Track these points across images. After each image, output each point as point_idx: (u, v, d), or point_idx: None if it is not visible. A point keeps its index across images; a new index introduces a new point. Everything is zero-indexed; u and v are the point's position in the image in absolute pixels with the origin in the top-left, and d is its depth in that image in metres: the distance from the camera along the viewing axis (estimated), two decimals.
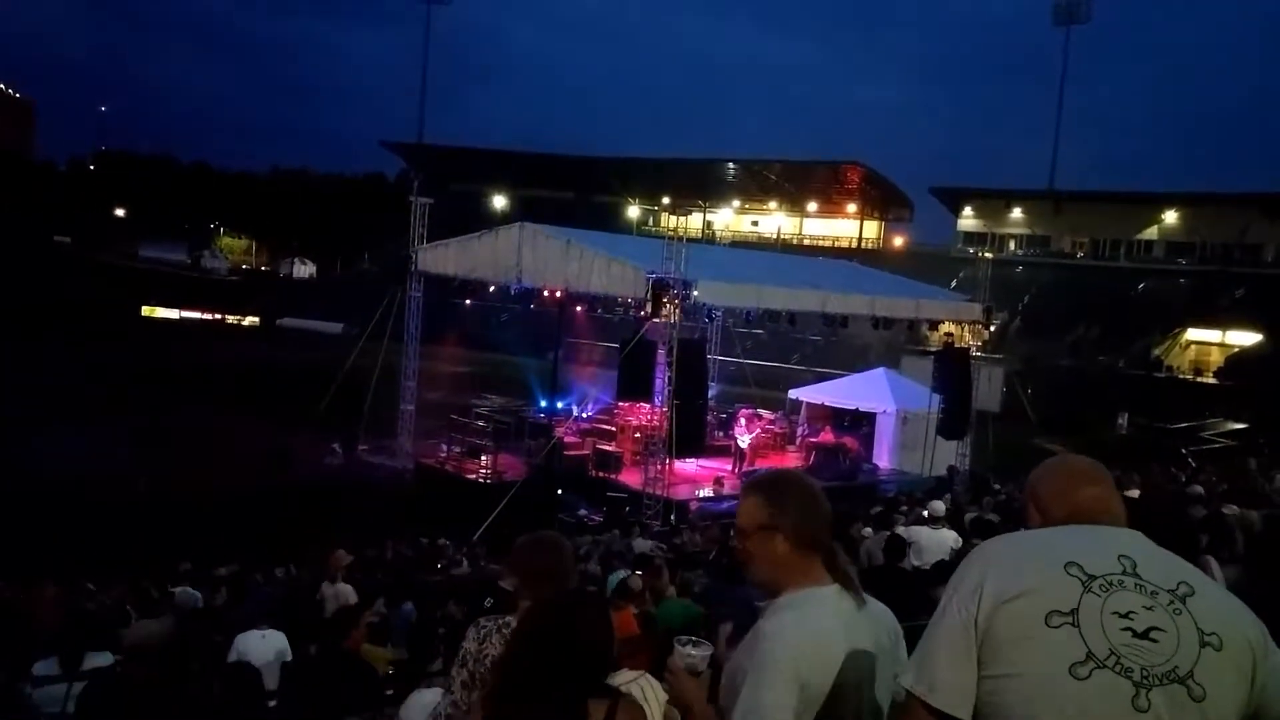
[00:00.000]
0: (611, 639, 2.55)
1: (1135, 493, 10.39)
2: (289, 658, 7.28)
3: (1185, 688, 1.77)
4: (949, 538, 9.80)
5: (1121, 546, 1.94)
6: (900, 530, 10.13)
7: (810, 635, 2.24)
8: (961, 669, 1.88)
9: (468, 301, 36.43)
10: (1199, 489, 11.77)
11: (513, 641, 2.65)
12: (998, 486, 17.95)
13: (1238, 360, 50.74)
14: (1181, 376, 50.29)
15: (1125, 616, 1.81)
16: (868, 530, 11.33)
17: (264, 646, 7.34)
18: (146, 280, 71.83)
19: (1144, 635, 1.79)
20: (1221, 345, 53.83)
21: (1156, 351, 53.64)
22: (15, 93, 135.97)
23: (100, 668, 5.66)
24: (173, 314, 66.34)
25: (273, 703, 6.34)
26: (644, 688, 2.88)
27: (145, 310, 65.66)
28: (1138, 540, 2.00)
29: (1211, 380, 49.13)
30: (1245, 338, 52.63)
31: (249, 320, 68.13)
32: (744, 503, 2.47)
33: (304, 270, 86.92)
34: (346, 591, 10.88)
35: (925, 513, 11.15)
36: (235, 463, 23.83)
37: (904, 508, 13.98)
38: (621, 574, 9.54)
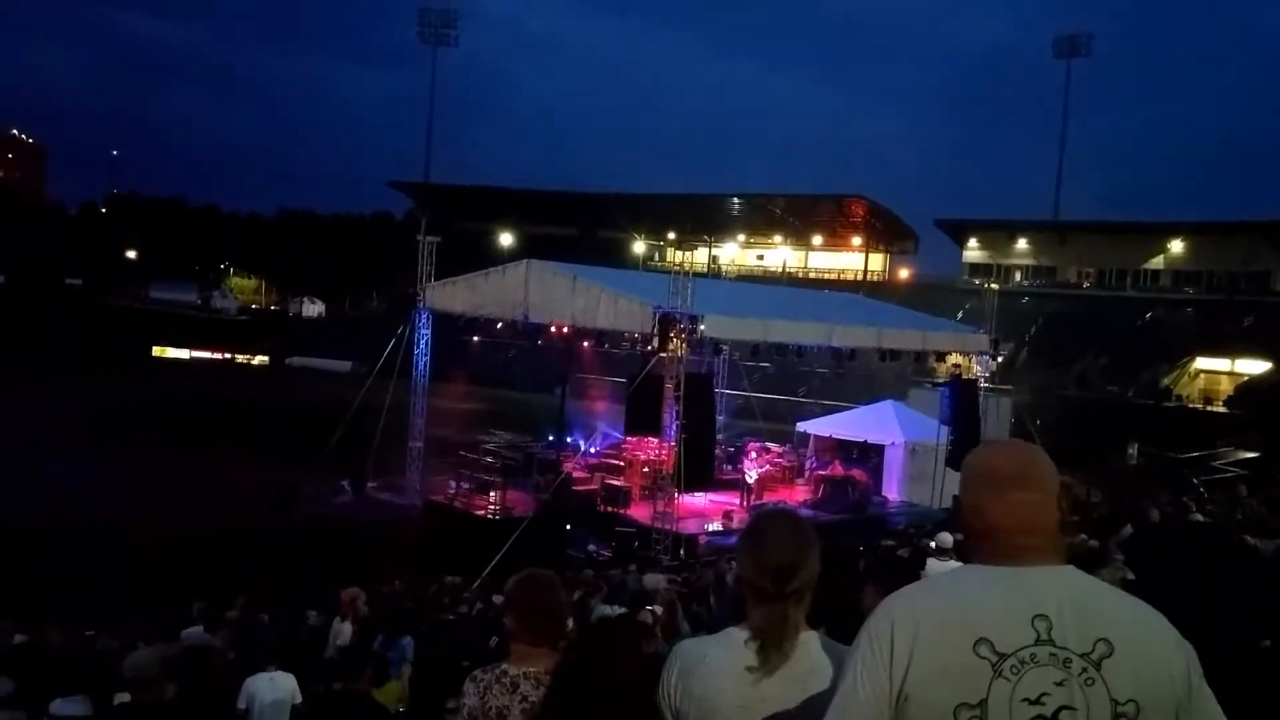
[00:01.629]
0: (648, 667, 2.54)
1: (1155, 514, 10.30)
2: (299, 699, 7.24)
3: None
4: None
5: (1038, 603, 1.82)
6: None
7: (695, 662, 2.33)
8: None
9: (475, 339, 36.46)
10: (1199, 516, 11.69)
11: (553, 687, 2.70)
12: None
13: (1247, 389, 50.52)
14: (1191, 406, 50.06)
15: (1036, 702, 1.74)
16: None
17: (272, 689, 7.29)
18: (157, 320, 72.15)
19: (1053, 719, 1.74)
20: (1231, 374, 53.65)
21: (1165, 381, 53.44)
22: (28, 137, 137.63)
23: (125, 703, 5.67)
24: (183, 354, 66.67)
25: None
26: None
27: (156, 350, 65.95)
28: (1064, 584, 1.86)
29: (1221, 409, 48.89)
30: (1254, 366, 52.45)
31: (259, 359, 68.35)
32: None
33: (313, 309, 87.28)
34: (345, 631, 10.99)
35: (933, 544, 11.04)
36: (243, 501, 23.77)
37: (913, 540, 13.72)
38: (612, 609, 9.47)
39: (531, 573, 3.26)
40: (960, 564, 1.95)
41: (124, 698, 5.70)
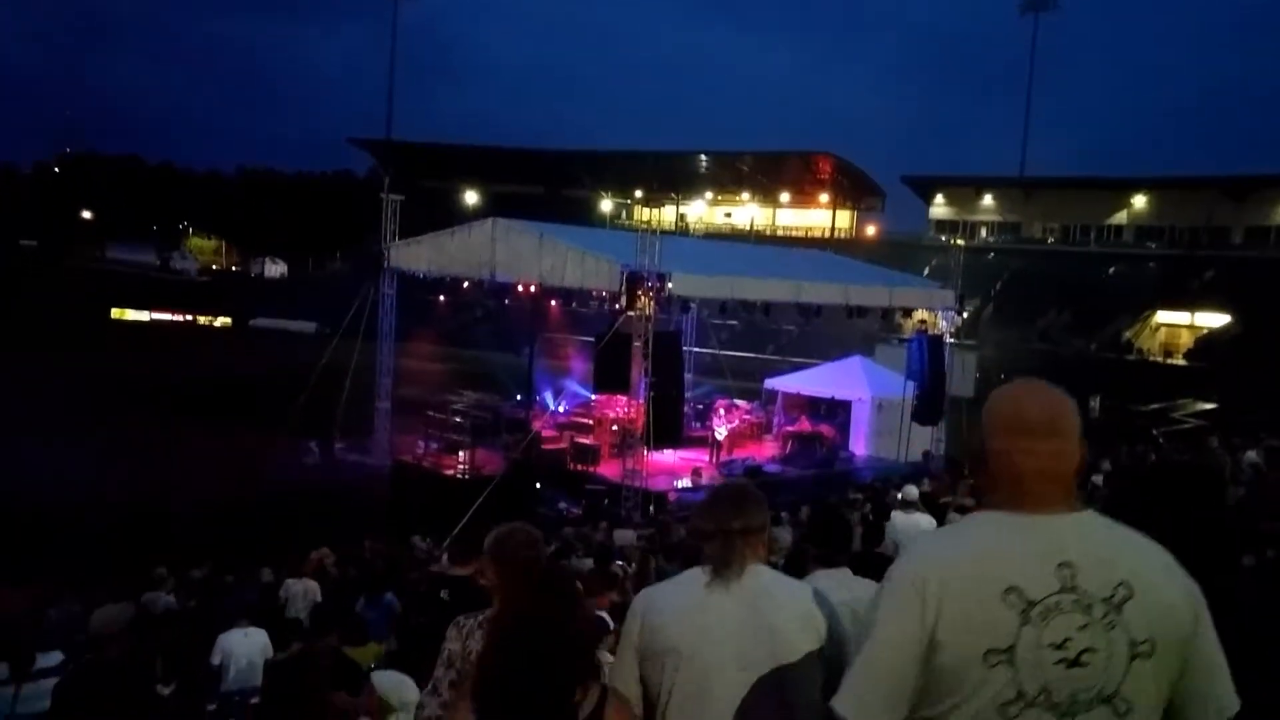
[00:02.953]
0: (592, 623, 2.56)
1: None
2: (271, 654, 7.32)
3: (1111, 706, 1.83)
4: (923, 522, 9.91)
5: (1064, 549, 1.88)
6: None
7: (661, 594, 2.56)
8: (900, 705, 1.88)
9: (441, 298, 36.28)
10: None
11: (495, 633, 2.73)
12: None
13: (1207, 342, 51.37)
14: (1152, 359, 50.86)
15: (1060, 647, 1.83)
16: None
17: (247, 645, 7.37)
18: (115, 282, 71.02)
19: (1075, 662, 1.82)
20: (1191, 327, 54.46)
21: (1127, 335, 54.24)
22: None
23: (48, 667, 5.69)
24: (143, 316, 65.71)
25: (256, 700, 6.36)
26: None
27: (115, 312, 65.01)
28: (1085, 531, 1.93)
29: (1181, 362, 49.70)
30: (1214, 319, 53.24)
31: (220, 321, 67.57)
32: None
33: (275, 270, 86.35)
34: (314, 588, 11.06)
35: (900, 496, 11.27)
36: (209, 465, 23.71)
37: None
38: (586, 563, 9.60)
39: (513, 527, 3.32)
40: (979, 514, 2.02)
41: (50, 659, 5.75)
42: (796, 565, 3.77)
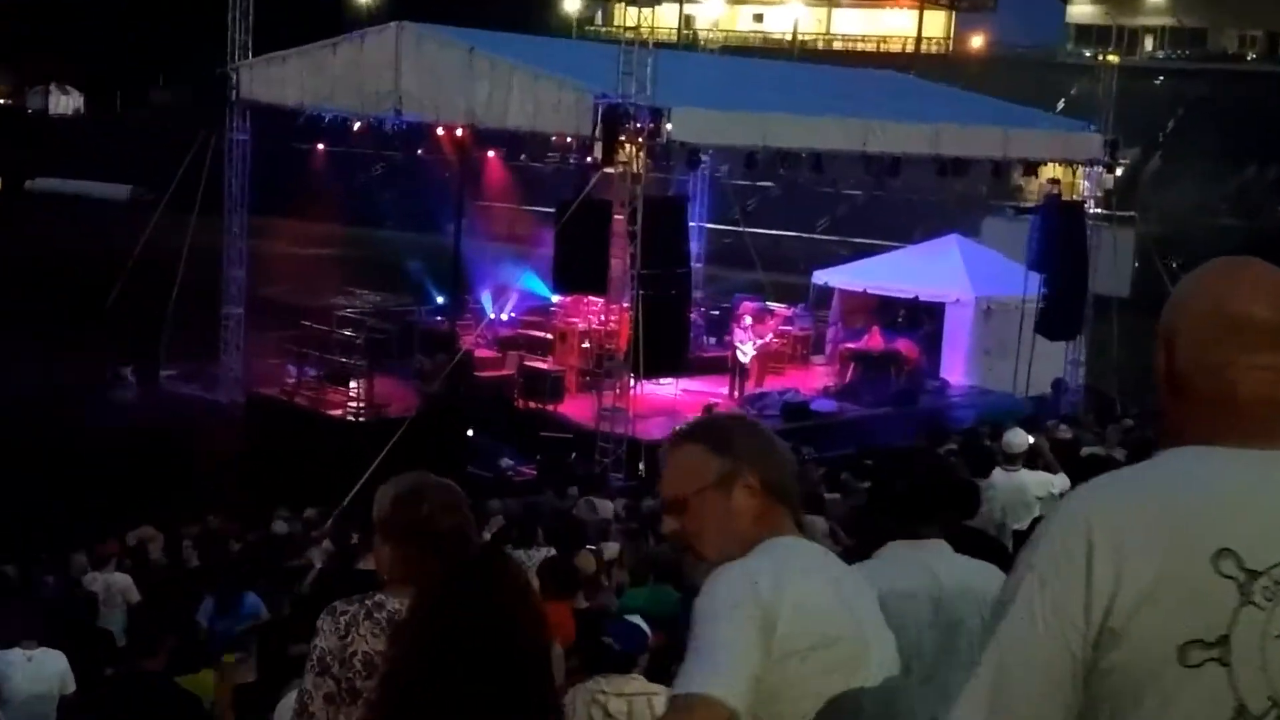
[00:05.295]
0: (544, 629, 2.71)
1: None
2: (72, 688, 7.44)
3: None
4: (1030, 483, 9.99)
5: None
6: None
7: (797, 570, 2.47)
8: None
9: (320, 148, 35.88)
10: None
11: (400, 638, 2.75)
12: (1125, 411, 18.20)
13: None
14: None
15: None
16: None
17: (33, 672, 7.41)
18: None
19: None
20: None
21: None
22: None
23: None
24: None
25: None
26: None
27: None
28: None
29: None
30: None
31: None
32: (680, 458, 2.69)
33: (67, 103, 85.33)
34: (123, 584, 11.39)
35: (1003, 445, 11.25)
36: None
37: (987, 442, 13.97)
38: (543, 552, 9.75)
39: (418, 479, 3.39)
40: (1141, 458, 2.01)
41: None
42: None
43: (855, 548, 3.37)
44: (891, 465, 4.13)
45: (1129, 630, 1.79)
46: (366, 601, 3.24)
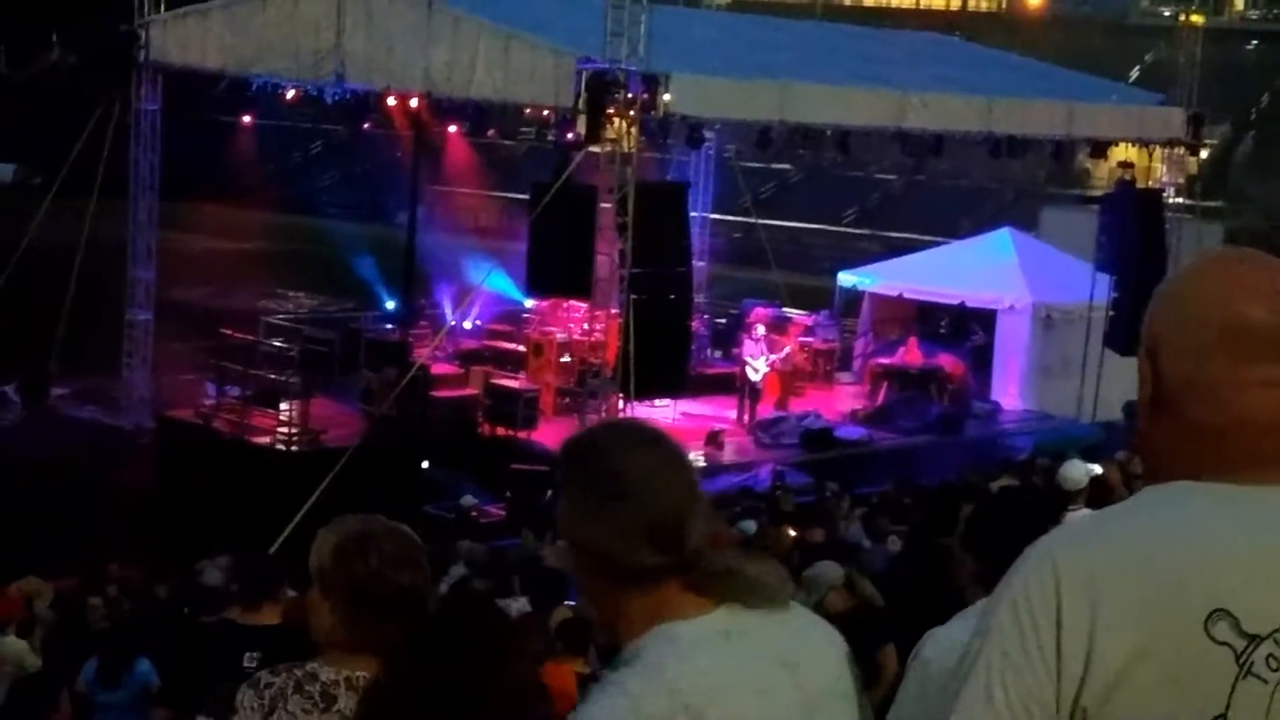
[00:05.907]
0: (530, 703, 2.88)
1: None
2: None
3: None
4: None
5: None
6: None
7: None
8: None
9: (247, 120, 36.09)
10: None
11: (366, 712, 2.92)
12: None
13: None
14: None
15: None
16: None
17: None
18: None
19: None
20: None
21: None
22: None
23: None
24: None
25: None
26: None
27: None
28: None
29: None
30: None
31: None
32: None
33: None
34: (17, 651, 11.96)
35: (1060, 479, 11.83)
36: None
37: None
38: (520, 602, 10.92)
39: (363, 523, 3.48)
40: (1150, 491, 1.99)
41: None
42: None
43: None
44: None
45: (1105, 714, 1.84)
46: (296, 671, 3.34)
